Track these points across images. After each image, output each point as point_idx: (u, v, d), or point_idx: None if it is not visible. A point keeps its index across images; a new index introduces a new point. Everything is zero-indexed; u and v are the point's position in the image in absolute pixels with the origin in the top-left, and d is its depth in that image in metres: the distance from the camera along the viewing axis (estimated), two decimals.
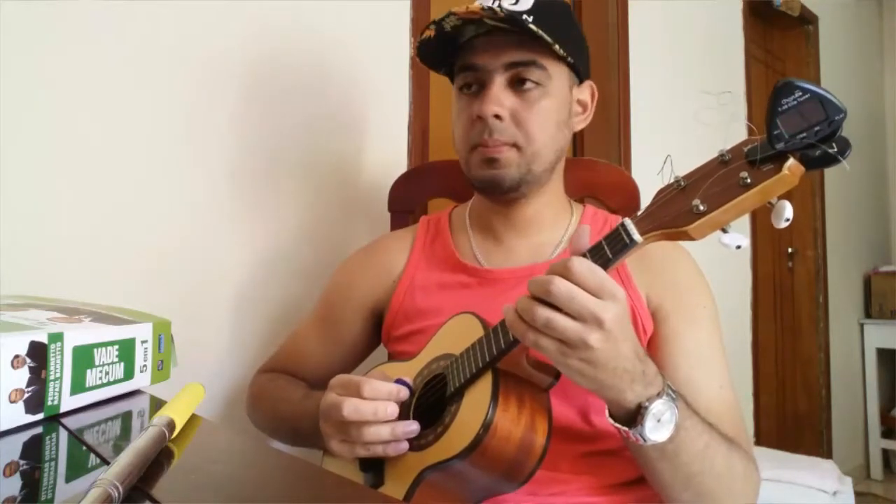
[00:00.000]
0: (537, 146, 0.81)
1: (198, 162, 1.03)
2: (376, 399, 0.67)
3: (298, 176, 1.16)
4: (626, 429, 0.62)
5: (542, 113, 0.81)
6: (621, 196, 1.09)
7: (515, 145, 0.81)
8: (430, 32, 0.83)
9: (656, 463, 0.67)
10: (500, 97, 0.80)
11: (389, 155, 1.31)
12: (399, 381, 0.71)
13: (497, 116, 0.79)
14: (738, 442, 0.73)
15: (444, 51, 0.86)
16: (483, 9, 0.77)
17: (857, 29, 3.60)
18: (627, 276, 0.82)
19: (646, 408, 0.61)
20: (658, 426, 0.61)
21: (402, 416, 0.69)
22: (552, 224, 0.89)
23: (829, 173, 2.75)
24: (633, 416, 0.62)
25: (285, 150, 1.14)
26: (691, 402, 0.70)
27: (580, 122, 0.89)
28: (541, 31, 0.77)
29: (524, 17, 0.77)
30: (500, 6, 0.77)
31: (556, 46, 0.78)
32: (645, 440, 0.62)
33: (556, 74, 0.83)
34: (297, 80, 1.16)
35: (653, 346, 0.81)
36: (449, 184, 1.12)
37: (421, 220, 0.98)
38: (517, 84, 0.81)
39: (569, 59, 0.82)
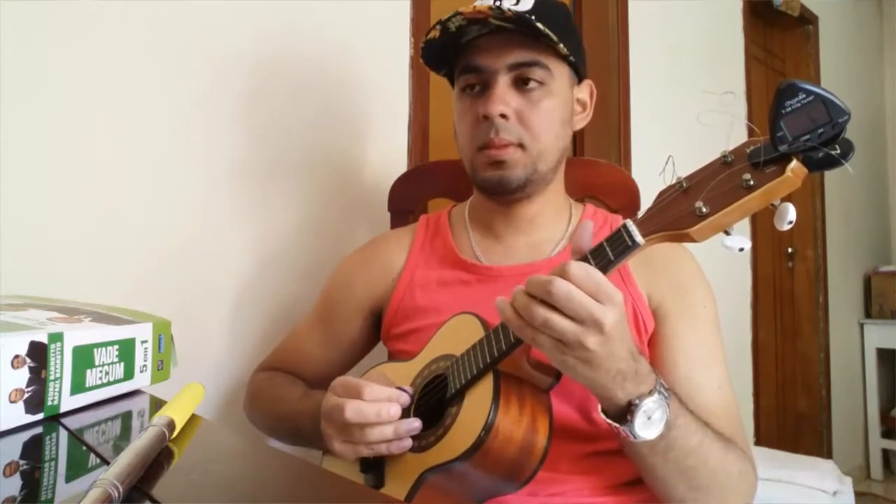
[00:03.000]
0: (542, 145, 0.82)
1: (198, 162, 1.03)
2: (378, 402, 0.67)
3: (298, 176, 1.16)
4: (616, 425, 0.63)
5: (546, 112, 0.81)
6: (621, 196, 1.08)
7: (521, 145, 0.81)
8: (436, 33, 0.82)
9: (647, 458, 0.68)
10: (505, 97, 0.80)
11: (389, 155, 1.31)
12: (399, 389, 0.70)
13: (503, 116, 0.79)
14: (736, 441, 0.73)
15: (446, 52, 0.86)
16: (490, 8, 0.77)
17: (857, 29, 3.60)
18: (628, 274, 0.82)
19: (636, 405, 0.61)
20: (648, 423, 0.62)
21: (403, 417, 0.69)
22: (552, 222, 0.89)
23: (830, 173, 2.75)
24: (625, 413, 0.62)
25: (285, 150, 1.14)
26: (689, 401, 0.70)
27: (581, 121, 0.89)
28: (548, 30, 0.77)
29: (528, 16, 0.77)
30: (502, 6, 0.77)
31: (561, 45, 0.79)
32: (635, 437, 0.62)
33: (558, 74, 0.83)
34: (297, 81, 1.16)
35: (653, 345, 0.81)
36: (449, 184, 1.11)
37: (420, 218, 0.98)
38: (521, 84, 0.81)
39: (570, 58, 0.82)
